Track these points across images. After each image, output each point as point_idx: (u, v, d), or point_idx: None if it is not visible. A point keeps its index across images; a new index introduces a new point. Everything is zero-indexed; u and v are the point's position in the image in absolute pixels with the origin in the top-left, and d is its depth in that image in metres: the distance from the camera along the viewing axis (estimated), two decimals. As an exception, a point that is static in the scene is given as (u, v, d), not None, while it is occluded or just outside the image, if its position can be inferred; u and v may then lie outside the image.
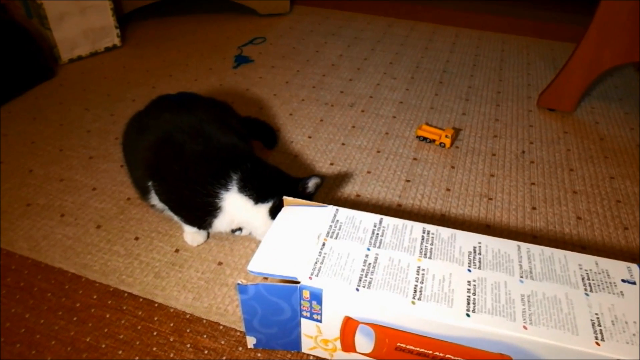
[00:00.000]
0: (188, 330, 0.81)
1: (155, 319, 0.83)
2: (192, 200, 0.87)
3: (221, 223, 0.90)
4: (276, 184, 0.88)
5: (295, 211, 0.79)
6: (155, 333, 0.81)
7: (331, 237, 0.73)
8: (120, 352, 0.78)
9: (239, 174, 0.87)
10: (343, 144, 1.27)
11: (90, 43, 1.67)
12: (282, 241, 0.73)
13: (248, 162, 0.89)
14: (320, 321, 0.69)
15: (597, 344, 0.59)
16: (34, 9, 1.58)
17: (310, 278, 0.66)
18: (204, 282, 0.89)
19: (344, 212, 0.77)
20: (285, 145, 1.26)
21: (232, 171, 0.86)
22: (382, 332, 0.66)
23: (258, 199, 0.87)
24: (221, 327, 0.82)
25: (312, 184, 0.89)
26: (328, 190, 1.11)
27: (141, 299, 0.86)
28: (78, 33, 1.63)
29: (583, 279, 0.67)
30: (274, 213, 0.86)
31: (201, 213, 0.88)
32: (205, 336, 0.80)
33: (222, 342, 0.79)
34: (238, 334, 0.80)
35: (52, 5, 1.53)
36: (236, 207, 0.87)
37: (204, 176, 0.86)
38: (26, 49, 1.48)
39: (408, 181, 1.14)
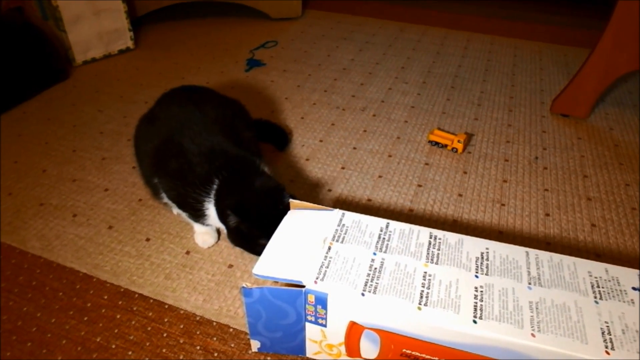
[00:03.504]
0: (198, 333, 0.81)
1: (166, 320, 0.84)
2: (187, 200, 0.87)
3: (215, 223, 0.89)
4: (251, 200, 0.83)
5: (301, 214, 0.79)
6: (165, 334, 0.81)
7: (337, 241, 0.73)
8: (130, 352, 0.78)
9: (218, 183, 0.85)
10: (354, 148, 1.27)
11: (104, 45, 1.70)
12: (288, 244, 0.73)
13: (230, 171, 0.85)
14: (325, 326, 0.69)
15: (607, 352, 0.58)
16: (50, 11, 1.60)
17: (315, 282, 0.66)
18: (215, 284, 0.90)
19: (350, 216, 0.77)
20: (296, 148, 1.26)
21: (215, 178, 0.85)
22: (388, 338, 0.66)
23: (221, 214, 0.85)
24: (231, 330, 0.82)
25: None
26: (339, 195, 1.11)
27: (152, 300, 0.87)
28: (92, 35, 1.65)
29: (593, 286, 0.66)
30: (230, 237, 0.85)
31: (196, 214, 0.89)
32: (215, 339, 0.81)
33: (232, 345, 0.79)
34: (248, 337, 0.81)
35: (67, 8, 1.56)
36: (215, 216, 0.87)
37: (193, 181, 0.86)
38: (41, 51, 1.50)
39: (420, 186, 1.14)
